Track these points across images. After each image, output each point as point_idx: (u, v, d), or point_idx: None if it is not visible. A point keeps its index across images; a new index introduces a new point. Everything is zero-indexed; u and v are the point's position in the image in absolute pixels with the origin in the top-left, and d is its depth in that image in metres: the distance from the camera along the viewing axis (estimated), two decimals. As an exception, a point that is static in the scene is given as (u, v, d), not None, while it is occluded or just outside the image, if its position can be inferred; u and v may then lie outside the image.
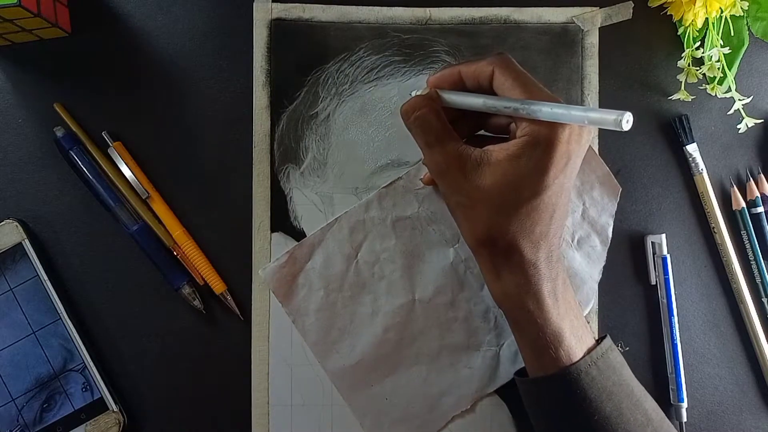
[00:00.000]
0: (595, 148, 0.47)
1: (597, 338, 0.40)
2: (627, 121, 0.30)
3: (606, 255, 0.46)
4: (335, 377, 0.45)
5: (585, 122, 0.32)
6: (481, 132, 0.42)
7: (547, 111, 0.33)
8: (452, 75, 0.39)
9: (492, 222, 0.36)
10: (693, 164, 0.47)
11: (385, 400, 0.45)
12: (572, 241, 0.46)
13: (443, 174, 0.38)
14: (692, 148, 0.47)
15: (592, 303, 0.46)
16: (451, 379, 0.45)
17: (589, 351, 0.38)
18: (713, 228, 0.47)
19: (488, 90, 0.38)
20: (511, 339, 0.45)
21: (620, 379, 0.38)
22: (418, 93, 0.40)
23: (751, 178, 0.48)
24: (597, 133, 0.47)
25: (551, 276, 0.37)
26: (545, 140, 0.34)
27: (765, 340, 0.47)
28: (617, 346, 0.40)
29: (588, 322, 0.45)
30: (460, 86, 0.39)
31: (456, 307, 0.46)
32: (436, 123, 0.38)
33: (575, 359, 0.37)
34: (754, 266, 0.47)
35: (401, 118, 0.39)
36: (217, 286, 0.45)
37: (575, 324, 0.38)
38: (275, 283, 0.45)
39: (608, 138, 0.47)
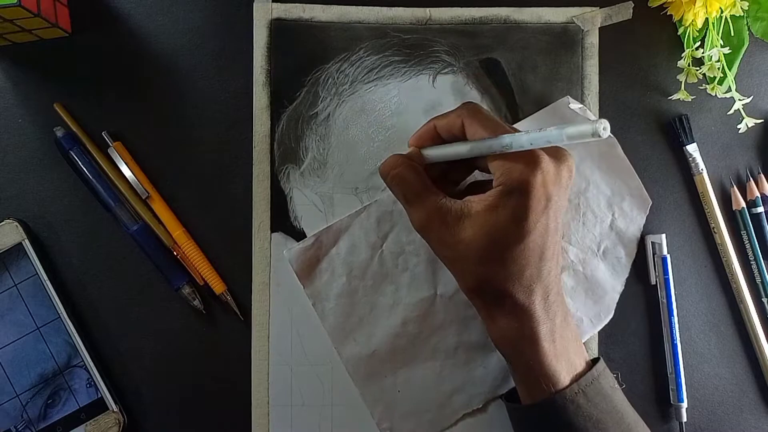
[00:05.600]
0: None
1: (590, 360, 0.40)
2: (604, 129, 0.29)
3: (629, 268, 0.46)
4: (349, 364, 0.45)
5: (564, 139, 0.31)
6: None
7: (525, 139, 0.33)
8: (429, 131, 0.39)
9: (480, 272, 0.37)
10: (693, 164, 0.47)
11: (398, 392, 0.45)
12: (598, 251, 0.46)
13: (426, 229, 0.38)
14: (692, 148, 0.47)
15: (612, 315, 0.46)
16: (465, 377, 0.45)
17: (578, 378, 0.37)
18: (713, 228, 0.47)
19: (464, 139, 0.38)
20: None
21: (610, 406, 0.37)
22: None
23: (751, 178, 0.48)
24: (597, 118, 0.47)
25: (549, 317, 0.37)
26: (518, 187, 0.34)
27: (765, 340, 0.46)
28: (615, 378, 0.40)
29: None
30: (439, 141, 0.40)
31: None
32: (414, 179, 0.38)
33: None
34: (754, 266, 0.47)
35: (380, 177, 0.40)
36: (217, 286, 0.45)
37: (574, 362, 0.38)
38: (299, 265, 0.45)
39: (608, 138, 0.47)
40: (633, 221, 0.46)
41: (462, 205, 0.36)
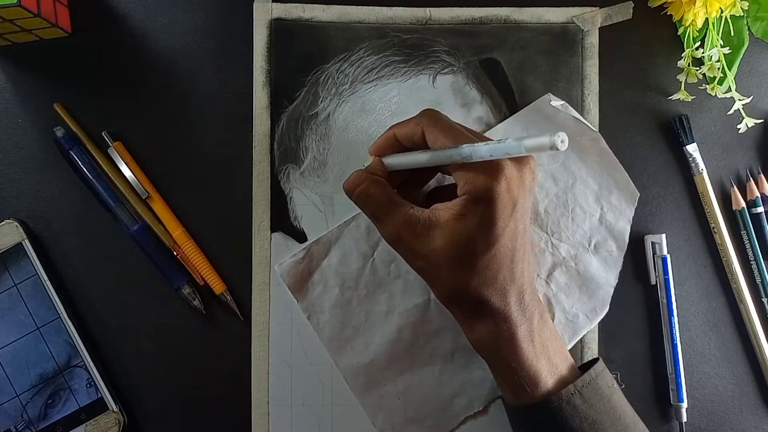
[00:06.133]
0: (595, 148, 0.47)
1: (589, 360, 0.40)
2: (562, 142, 0.30)
3: (622, 260, 0.46)
4: (348, 374, 0.45)
5: (523, 150, 0.32)
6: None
7: (485, 150, 0.33)
8: (389, 139, 0.39)
9: (453, 281, 0.37)
10: (693, 164, 0.47)
11: (398, 399, 0.45)
12: (589, 246, 0.46)
13: (397, 242, 0.38)
14: (692, 148, 0.47)
15: (607, 308, 0.46)
16: (464, 380, 0.45)
17: (574, 379, 0.38)
18: (713, 228, 0.47)
19: (425, 147, 0.38)
20: None
21: (607, 407, 0.37)
22: (367, 163, 0.41)
23: (751, 178, 0.48)
24: (597, 118, 0.47)
25: (525, 317, 0.37)
26: (484, 195, 0.34)
27: (765, 340, 0.46)
28: (615, 378, 0.40)
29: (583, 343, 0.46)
30: (399, 148, 0.40)
31: None
32: (379, 195, 0.38)
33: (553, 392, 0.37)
34: (754, 266, 0.47)
35: (346, 195, 0.39)
36: (217, 286, 0.45)
37: (554, 360, 0.38)
38: (291, 279, 0.45)
39: (608, 138, 0.47)
40: (622, 214, 0.47)
41: (430, 214, 0.37)
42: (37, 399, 0.44)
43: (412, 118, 0.38)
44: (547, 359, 0.38)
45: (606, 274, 0.46)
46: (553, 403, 0.36)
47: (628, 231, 0.46)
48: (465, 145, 0.35)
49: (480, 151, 0.34)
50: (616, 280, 0.46)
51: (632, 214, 0.46)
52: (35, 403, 0.44)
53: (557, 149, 0.30)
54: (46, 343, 0.44)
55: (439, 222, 0.36)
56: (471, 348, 0.45)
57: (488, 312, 0.37)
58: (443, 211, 0.36)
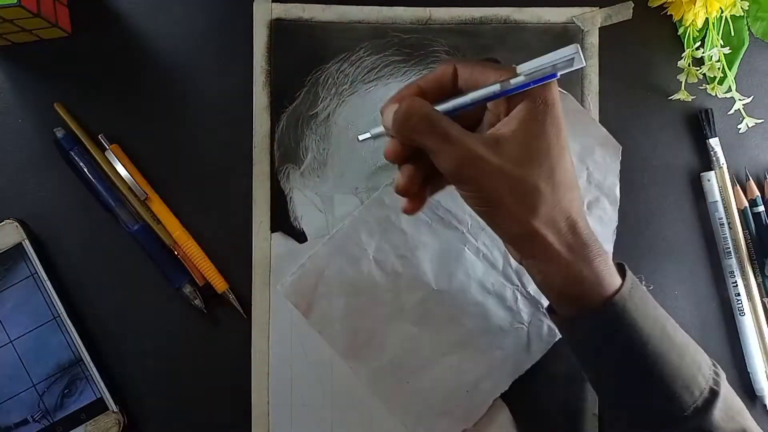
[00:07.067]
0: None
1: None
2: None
3: (617, 215, 0.46)
4: (369, 381, 0.45)
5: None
6: None
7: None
8: (412, 90, 0.36)
9: (542, 199, 0.33)
10: (714, 158, 0.47)
11: (423, 395, 0.45)
12: (582, 207, 0.46)
13: (467, 167, 0.33)
14: (714, 142, 0.47)
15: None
16: (486, 363, 0.45)
17: (621, 285, 0.35)
18: (729, 223, 0.47)
19: (455, 91, 0.35)
20: (539, 314, 0.46)
21: (654, 303, 0.36)
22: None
23: (751, 178, 0.48)
24: (597, 118, 0.47)
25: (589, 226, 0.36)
26: (545, 98, 0.33)
27: (766, 341, 0.46)
28: (641, 283, 0.37)
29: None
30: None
31: (476, 291, 0.46)
32: (440, 118, 0.33)
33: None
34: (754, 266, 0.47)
35: (394, 128, 0.34)
36: (219, 284, 0.45)
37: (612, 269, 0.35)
38: (296, 297, 0.45)
39: (608, 138, 0.47)
40: (609, 170, 0.47)
41: (490, 134, 0.34)
42: (54, 388, 0.44)
43: (433, 70, 0.36)
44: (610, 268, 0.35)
45: (603, 232, 0.46)
46: (617, 304, 0.34)
47: (618, 185, 0.47)
48: (508, 77, 0.33)
49: (521, 78, 0.32)
50: (614, 237, 0.46)
51: (618, 169, 0.46)
52: (52, 393, 0.44)
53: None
54: (68, 328, 0.44)
55: (505, 135, 0.33)
56: (485, 331, 0.45)
57: (580, 229, 0.35)
58: (503, 125, 0.33)
